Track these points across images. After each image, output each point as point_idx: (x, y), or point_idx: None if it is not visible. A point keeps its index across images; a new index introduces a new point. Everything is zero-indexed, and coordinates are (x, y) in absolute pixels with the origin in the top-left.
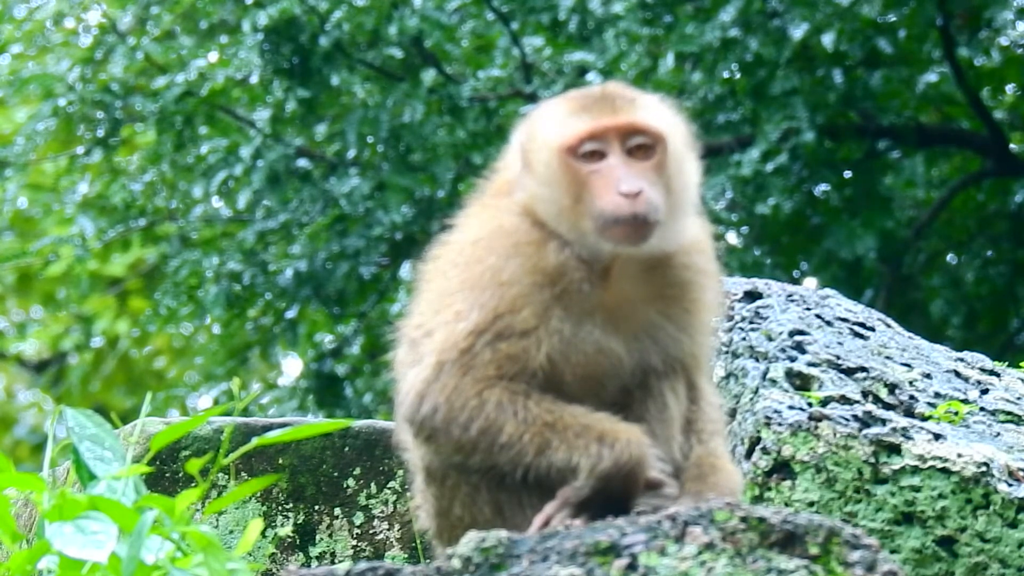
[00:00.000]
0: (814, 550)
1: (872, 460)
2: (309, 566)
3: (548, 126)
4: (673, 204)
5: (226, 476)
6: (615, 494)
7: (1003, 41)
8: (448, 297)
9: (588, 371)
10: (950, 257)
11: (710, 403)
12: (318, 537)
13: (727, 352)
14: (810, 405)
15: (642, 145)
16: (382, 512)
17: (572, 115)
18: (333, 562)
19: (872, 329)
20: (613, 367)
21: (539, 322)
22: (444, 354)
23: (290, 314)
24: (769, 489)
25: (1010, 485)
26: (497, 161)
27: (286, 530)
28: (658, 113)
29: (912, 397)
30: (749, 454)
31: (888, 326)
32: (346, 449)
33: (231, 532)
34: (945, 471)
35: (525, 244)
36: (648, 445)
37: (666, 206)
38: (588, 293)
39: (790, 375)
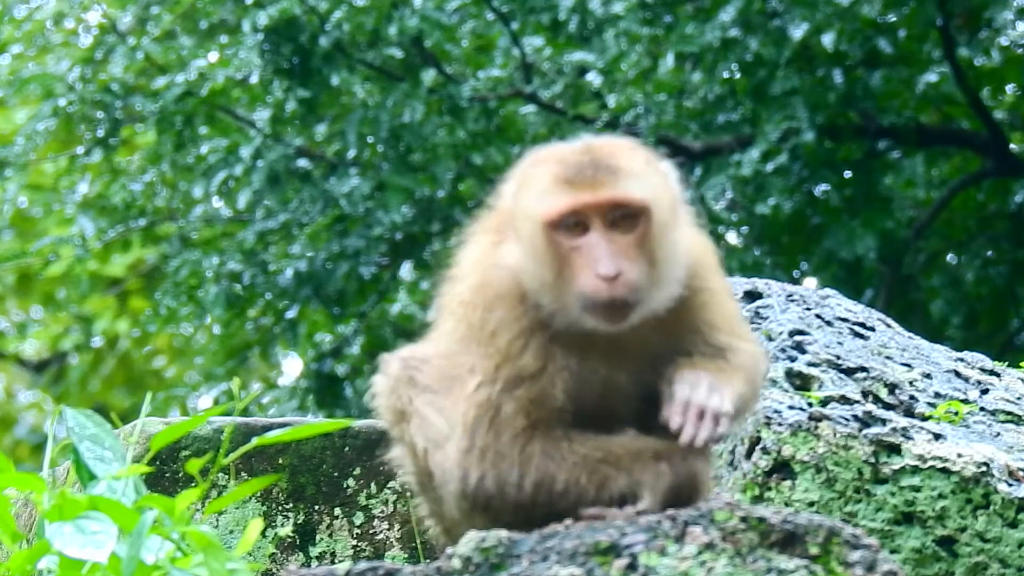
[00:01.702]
0: (814, 550)
1: (872, 460)
2: (309, 566)
3: (532, 195)
4: (657, 275)
5: (226, 476)
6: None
7: (1003, 41)
8: (456, 344)
9: (605, 403)
10: (950, 257)
11: (733, 352)
12: (318, 537)
13: None
14: (810, 405)
15: (626, 215)
16: (382, 512)
17: (554, 186)
18: (333, 562)
19: (872, 329)
20: (625, 397)
21: (543, 363)
22: (468, 416)
23: (290, 314)
24: (769, 489)
25: (1010, 485)
26: (492, 195)
27: (286, 530)
28: (642, 182)
29: (912, 397)
30: (749, 454)
31: (888, 326)
32: (346, 449)
33: (231, 532)
34: (945, 471)
35: (508, 296)
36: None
37: (649, 278)
38: (583, 334)
39: (790, 375)
